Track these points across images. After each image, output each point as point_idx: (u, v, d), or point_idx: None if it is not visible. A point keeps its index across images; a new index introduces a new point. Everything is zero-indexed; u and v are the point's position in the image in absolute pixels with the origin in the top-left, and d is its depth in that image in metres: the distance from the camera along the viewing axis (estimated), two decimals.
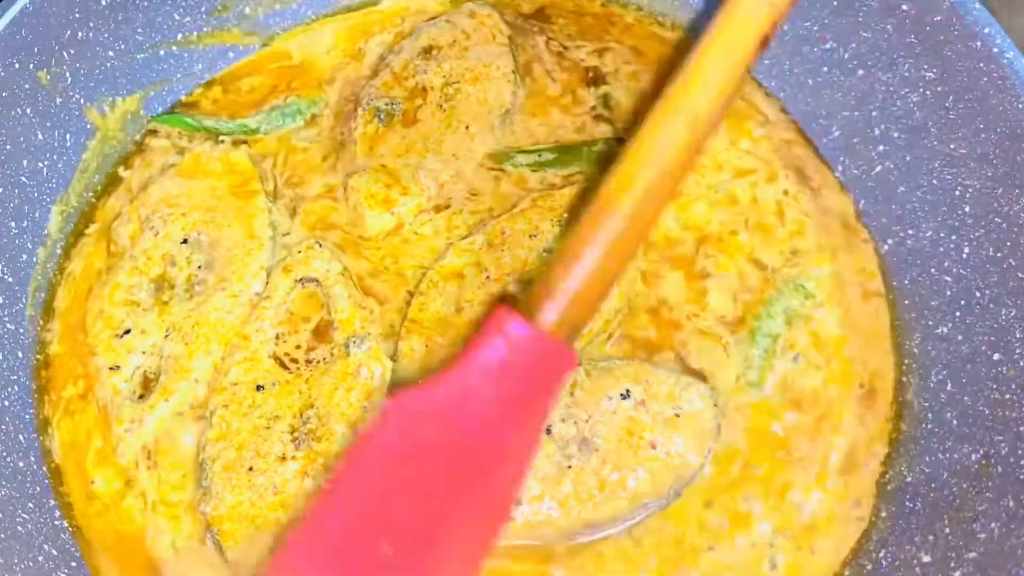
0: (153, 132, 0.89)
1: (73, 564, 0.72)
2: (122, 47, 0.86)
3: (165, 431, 0.75)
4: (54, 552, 0.71)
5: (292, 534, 0.58)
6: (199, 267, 0.80)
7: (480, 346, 0.59)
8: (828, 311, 0.79)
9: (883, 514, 0.73)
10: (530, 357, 0.59)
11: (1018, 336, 0.70)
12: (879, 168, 0.83)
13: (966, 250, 0.75)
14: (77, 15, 0.80)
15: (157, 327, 0.78)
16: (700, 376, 0.76)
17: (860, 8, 0.81)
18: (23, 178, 0.80)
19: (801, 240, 0.82)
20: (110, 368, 0.76)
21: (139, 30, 0.87)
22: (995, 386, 0.70)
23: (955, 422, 0.73)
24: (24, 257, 0.81)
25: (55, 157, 0.83)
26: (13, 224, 0.79)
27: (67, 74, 0.82)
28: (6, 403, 0.76)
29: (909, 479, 0.73)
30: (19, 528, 0.70)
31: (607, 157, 0.85)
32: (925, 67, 0.77)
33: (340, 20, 0.96)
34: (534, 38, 0.93)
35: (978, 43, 0.72)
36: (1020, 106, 0.69)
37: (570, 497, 0.69)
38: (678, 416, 0.72)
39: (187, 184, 0.84)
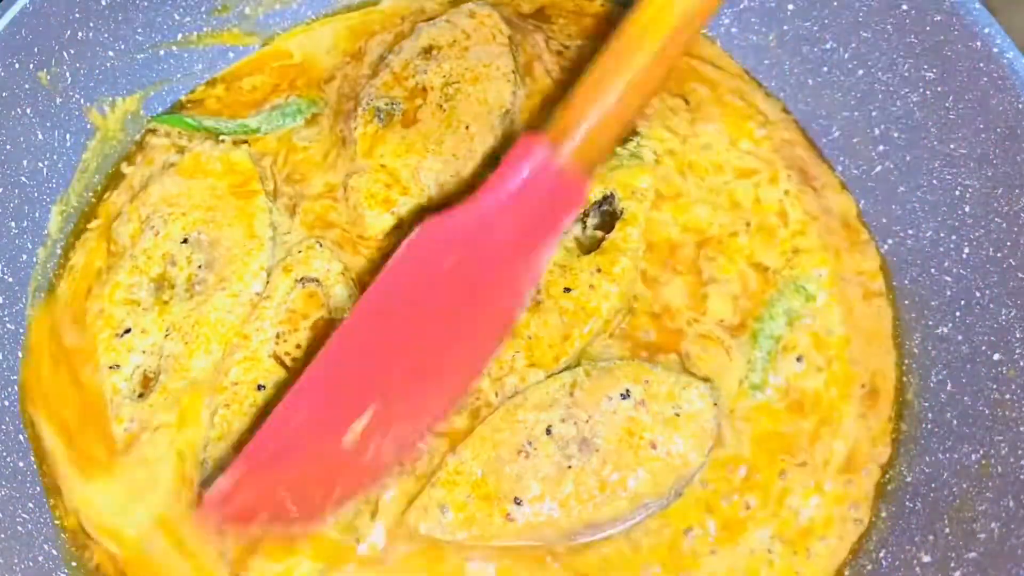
0: (153, 131, 0.89)
1: (73, 564, 0.72)
2: (122, 47, 0.86)
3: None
4: (54, 552, 0.71)
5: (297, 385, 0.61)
6: (199, 266, 0.80)
7: (507, 170, 0.61)
8: (830, 311, 0.79)
9: (883, 514, 0.73)
10: (549, 186, 0.61)
11: (1018, 336, 0.70)
12: (879, 168, 0.83)
13: (966, 250, 0.75)
14: (77, 15, 0.80)
15: (157, 326, 0.78)
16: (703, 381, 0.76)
17: (860, 8, 0.81)
18: (23, 178, 0.80)
19: (803, 240, 0.82)
20: (110, 367, 0.76)
21: (139, 30, 0.87)
22: (995, 386, 0.70)
23: (955, 422, 0.73)
24: (24, 257, 0.81)
25: (55, 157, 0.83)
26: (13, 224, 0.79)
27: (67, 74, 0.81)
28: (6, 403, 0.76)
29: (909, 479, 0.74)
30: (19, 528, 0.70)
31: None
32: (925, 67, 0.77)
33: (340, 20, 0.96)
34: (534, 38, 0.93)
35: (978, 43, 0.72)
36: (1020, 106, 0.70)
37: (570, 497, 0.69)
38: (678, 416, 0.72)
39: (187, 184, 0.84)
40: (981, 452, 0.69)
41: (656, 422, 0.71)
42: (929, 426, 0.74)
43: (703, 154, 0.85)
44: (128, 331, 0.77)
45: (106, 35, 0.84)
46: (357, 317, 0.63)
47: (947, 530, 0.68)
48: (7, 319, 0.78)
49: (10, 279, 0.79)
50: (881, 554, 0.71)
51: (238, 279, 0.79)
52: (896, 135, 0.81)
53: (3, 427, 0.74)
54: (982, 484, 0.68)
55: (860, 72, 0.83)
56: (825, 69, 0.86)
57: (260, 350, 0.76)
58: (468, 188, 0.84)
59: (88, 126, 0.85)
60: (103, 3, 0.82)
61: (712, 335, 0.78)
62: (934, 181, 0.78)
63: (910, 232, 0.80)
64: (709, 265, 0.81)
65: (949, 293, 0.76)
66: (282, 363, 0.76)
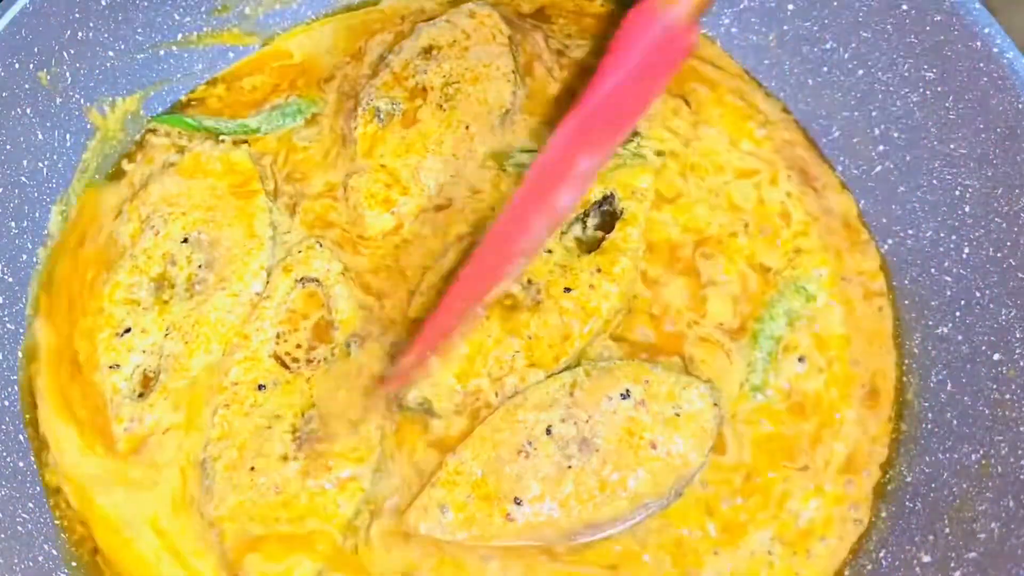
0: (153, 131, 0.89)
1: (73, 564, 0.72)
2: (122, 47, 0.86)
3: None
4: (54, 552, 0.71)
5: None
6: (199, 266, 0.80)
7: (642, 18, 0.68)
8: (830, 312, 0.79)
9: (883, 514, 0.73)
10: (665, 37, 0.68)
11: (1018, 336, 0.70)
12: (879, 168, 0.83)
13: (966, 250, 0.75)
14: (77, 15, 0.80)
15: (157, 326, 0.78)
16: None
17: (860, 8, 0.81)
18: (23, 178, 0.80)
19: (804, 241, 0.82)
20: (110, 367, 0.76)
21: (139, 30, 0.87)
22: (995, 386, 0.70)
23: (955, 422, 0.73)
24: (24, 257, 0.81)
25: (55, 157, 0.83)
26: (13, 224, 0.79)
27: (67, 74, 0.81)
28: (6, 403, 0.76)
29: (909, 479, 0.74)
30: (19, 528, 0.70)
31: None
32: (925, 67, 0.77)
33: (340, 20, 0.96)
34: (534, 38, 0.93)
35: (978, 43, 0.72)
36: (1020, 106, 0.70)
37: (571, 497, 0.69)
38: (678, 416, 0.72)
39: (187, 183, 0.84)
40: (981, 452, 0.69)
41: (656, 422, 0.71)
42: (929, 426, 0.75)
43: (704, 155, 0.85)
44: (128, 331, 0.77)
45: (106, 35, 0.84)
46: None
47: (947, 530, 0.69)
48: (7, 319, 0.78)
49: (10, 279, 0.79)
50: (881, 554, 0.71)
51: (238, 279, 0.79)
52: (896, 135, 0.81)
53: (3, 427, 0.74)
54: (982, 484, 0.68)
55: (860, 72, 0.83)
56: (825, 69, 0.86)
57: (260, 350, 0.76)
58: (468, 188, 0.84)
59: (88, 126, 0.85)
60: (103, 3, 0.82)
61: (712, 338, 0.78)
62: (934, 181, 0.78)
63: (910, 232, 0.80)
64: (709, 266, 0.81)
65: (949, 293, 0.76)
66: (282, 363, 0.76)
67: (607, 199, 0.82)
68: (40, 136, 0.81)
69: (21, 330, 0.79)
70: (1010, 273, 0.71)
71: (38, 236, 0.82)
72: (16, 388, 0.77)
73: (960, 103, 0.75)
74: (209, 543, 0.71)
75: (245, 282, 0.79)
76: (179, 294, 0.79)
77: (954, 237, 0.76)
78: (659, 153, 0.85)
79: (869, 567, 0.71)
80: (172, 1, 0.88)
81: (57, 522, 0.73)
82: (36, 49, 0.78)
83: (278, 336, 0.78)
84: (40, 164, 0.81)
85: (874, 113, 0.83)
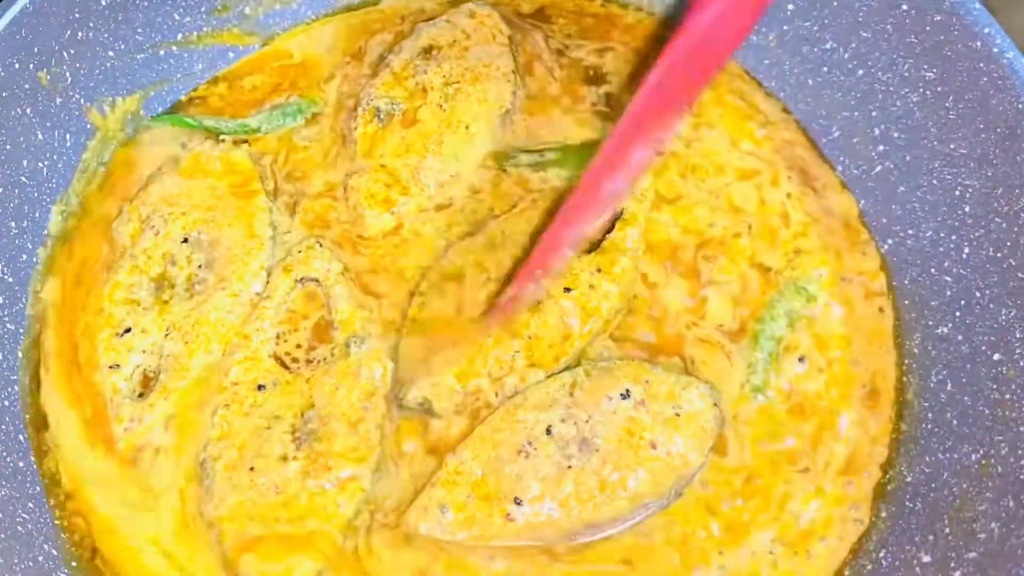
0: (154, 131, 0.89)
1: (73, 564, 0.72)
2: (122, 47, 0.86)
3: None
4: (54, 552, 0.71)
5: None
6: (199, 266, 0.80)
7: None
8: (830, 312, 0.79)
9: (883, 514, 0.73)
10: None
11: (1018, 336, 0.70)
12: (879, 168, 0.83)
13: (966, 250, 0.75)
14: (77, 15, 0.80)
15: (157, 326, 0.78)
16: None
17: (860, 8, 0.81)
18: (23, 178, 0.80)
19: (804, 241, 0.82)
20: (110, 367, 0.76)
21: (139, 30, 0.87)
22: (995, 386, 0.70)
23: (955, 422, 0.73)
24: (24, 257, 0.81)
25: (55, 157, 0.83)
26: (13, 224, 0.79)
27: (67, 74, 0.81)
28: (6, 403, 0.76)
29: (909, 479, 0.74)
30: (19, 528, 0.70)
31: None
32: (925, 67, 0.77)
33: (340, 19, 0.96)
34: (534, 38, 0.93)
35: (978, 43, 0.72)
36: (1020, 106, 0.69)
37: (571, 497, 0.69)
38: (678, 416, 0.72)
39: (187, 183, 0.84)
40: (981, 452, 0.69)
41: (656, 422, 0.71)
42: (929, 426, 0.74)
43: (705, 156, 0.85)
44: (128, 331, 0.77)
45: (106, 35, 0.84)
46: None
47: (947, 530, 0.68)
48: (7, 319, 0.78)
49: (10, 279, 0.79)
50: (881, 554, 0.71)
51: (238, 279, 0.79)
52: (896, 135, 0.81)
53: (3, 427, 0.74)
54: (982, 484, 0.68)
55: (860, 72, 0.83)
56: (825, 69, 0.86)
57: (260, 350, 0.76)
58: (468, 188, 0.84)
59: (88, 126, 0.85)
60: (103, 3, 0.82)
61: (712, 339, 0.78)
62: (934, 181, 0.78)
63: (910, 232, 0.80)
64: (709, 267, 0.81)
65: (949, 293, 0.76)
66: (282, 363, 0.76)
67: None
68: (40, 136, 0.81)
69: (21, 330, 0.79)
70: (1010, 273, 0.71)
71: (38, 236, 0.82)
72: (16, 388, 0.77)
73: (960, 103, 0.75)
74: (209, 543, 0.71)
75: (245, 282, 0.79)
76: (179, 294, 0.79)
77: (954, 237, 0.76)
78: (659, 152, 0.85)
79: (869, 567, 0.71)
80: (172, 1, 0.88)
81: (57, 522, 0.73)
82: (36, 49, 0.78)
83: (278, 336, 0.78)
84: (40, 164, 0.81)
85: (874, 113, 0.83)
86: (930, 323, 0.78)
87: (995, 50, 0.71)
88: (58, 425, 0.76)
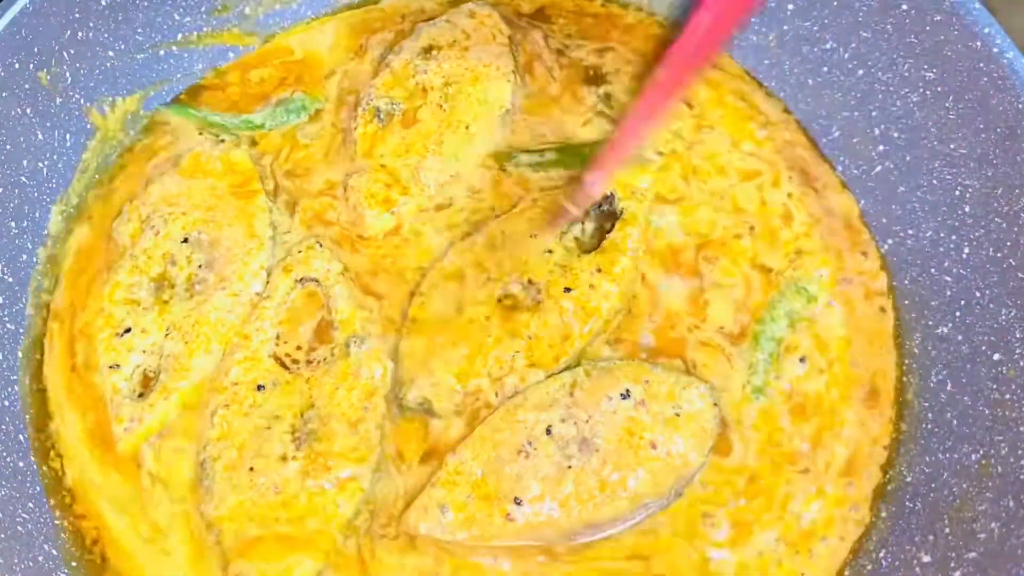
0: (153, 131, 0.89)
1: (73, 564, 0.72)
2: (122, 47, 0.86)
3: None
4: (54, 552, 0.71)
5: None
6: (199, 266, 0.80)
7: None
8: (831, 313, 0.79)
9: (883, 514, 0.73)
10: None
11: (1018, 336, 0.70)
12: (879, 168, 0.83)
13: (966, 250, 0.75)
14: (77, 15, 0.80)
15: (157, 326, 0.78)
16: None
17: (860, 8, 0.81)
18: (23, 178, 0.80)
19: (806, 242, 0.82)
20: (110, 367, 0.76)
21: (139, 30, 0.87)
22: (995, 386, 0.70)
23: (955, 422, 0.73)
24: (24, 257, 0.81)
25: (55, 157, 0.83)
26: (13, 224, 0.79)
27: (67, 74, 0.81)
28: (6, 403, 0.76)
29: (909, 479, 0.74)
30: (19, 528, 0.70)
31: None
32: (925, 67, 0.77)
33: (341, 18, 0.96)
34: (534, 38, 0.93)
35: (978, 43, 0.72)
36: (1020, 106, 0.70)
37: (571, 497, 0.69)
38: (678, 416, 0.72)
39: (187, 183, 0.84)
40: (981, 452, 0.69)
41: (656, 422, 0.71)
42: (929, 426, 0.74)
43: (706, 157, 0.85)
44: (128, 331, 0.77)
45: (106, 35, 0.84)
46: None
47: (947, 530, 0.68)
48: (7, 319, 0.78)
49: (10, 279, 0.79)
50: (881, 554, 0.71)
51: (238, 279, 0.79)
52: (896, 135, 0.81)
53: (3, 427, 0.74)
54: (982, 484, 0.68)
55: (860, 72, 0.83)
56: (825, 69, 0.86)
57: (260, 350, 0.76)
58: (468, 188, 0.84)
59: (88, 126, 0.85)
60: (103, 3, 0.82)
61: (712, 342, 0.78)
62: (934, 181, 0.78)
63: (910, 232, 0.80)
64: (710, 269, 0.81)
65: (949, 293, 0.76)
66: (282, 363, 0.76)
67: (607, 199, 0.82)
68: (40, 136, 0.81)
69: (21, 330, 0.79)
70: (1010, 273, 0.71)
71: (38, 236, 0.82)
72: (16, 388, 0.77)
73: (960, 103, 0.75)
74: (208, 543, 0.71)
75: (245, 282, 0.79)
76: (179, 294, 0.79)
77: (954, 237, 0.76)
78: (659, 153, 0.85)
79: (869, 567, 0.71)
80: (172, 1, 0.88)
81: (57, 522, 0.73)
82: (36, 49, 0.78)
83: (278, 336, 0.78)
84: (40, 164, 0.81)
85: (874, 113, 0.83)
86: (930, 323, 0.78)
87: (995, 50, 0.71)
88: (59, 425, 0.76)
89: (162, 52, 0.90)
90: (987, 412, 0.70)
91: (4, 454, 0.73)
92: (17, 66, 0.76)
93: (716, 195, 0.84)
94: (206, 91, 0.92)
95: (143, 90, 0.89)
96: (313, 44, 0.94)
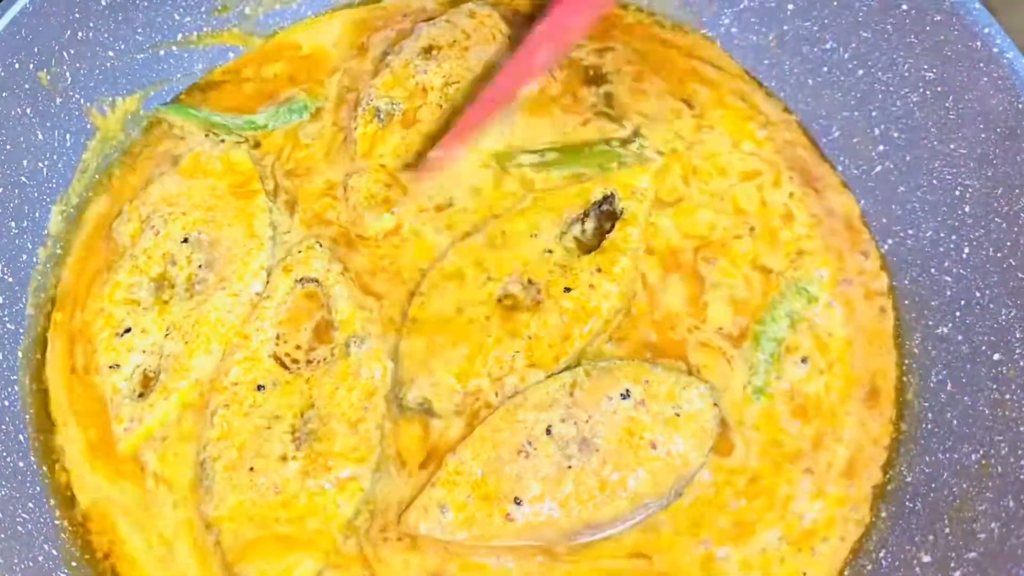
0: (153, 131, 0.89)
1: (73, 564, 0.72)
2: (122, 47, 0.86)
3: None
4: (54, 552, 0.71)
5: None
6: (199, 266, 0.80)
7: None
8: (831, 313, 0.79)
9: (883, 514, 0.73)
10: None
11: (1018, 336, 0.70)
12: (879, 168, 0.83)
13: (966, 250, 0.75)
14: (77, 15, 0.80)
15: (157, 326, 0.77)
16: None
17: (860, 8, 0.81)
18: (23, 178, 0.80)
19: (807, 242, 0.82)
20: (110, 367, 0.76)
21: (139, 30, 0.87)
22: (995, 386, 0.70)
23: (955, 422, 0.73)
24: (24, 257, 0.81)
25: (55, 157, 0.83)
26: (13, 224, 0.79)
27: (67, 74, 0.82)
28: (6, 403, 0.76)
29: (909, 479, 0.74)
30: (19, 528, 0.70)
31: (610, 156, 0.85)
32: (925, 67, 0.77)
33: (342, 16, 0.96)
34: None
35: (978, 43, 0.72)
36: (1020, 106, 0.70)
37: (571, 497, 0.69)
38: (678, 416, 0.72)
39: (188, 183, 0.84)
40: (981, 452, 0.69)
41: (656, 422, 0.71)
42: (929, 426, 0.74)
43: (707, 158, 0.85)
44: (128, 331, 0.77)
45: (106, 35, 0.84)
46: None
47: (947, 530, 0.68)
48: (7, 319, 0.78)
49: (10, 279, 0.79)
50: (881, 554, 0.71)
51: (238, 279, 0.79)
52: (896, 135, 0.81)
53: (3, 427, 0.74)
54: (982, 484, 0.68)
55: (860, 72, 0.83)
56: (825, 69, 0.86)
57: (260, 350, 0.76)
58: (468, 188, 0.84)
59: (88, 126, 0.85)
60: (103, 3, 0.82)
61: (712, 344, 0.78)
62: (934, 181, 0.78)
63: (910, 232, 0.80)
64: (710, 270, 0.81)
65: (949, 293, 0.76)
66: (282, 364, 0.76)
67: (607, 199, 0.82)
68: (40, 136, 0.81)
69: (21, 330, 0.79)
70: (1010, 273, 0.71)
71: (38, 236, 0.82)
72: (16, 388, 0.77)
73: (960, 103, 0.75)
74: (208, 544, 0.71)
75: (245, 282, 0.79)
76: (179, 294, 0.79)
77: (954, 237, 0.76)
78: (660, 152, 0.85)
79: (869, 567, 0.71)
80: (172, 1, 0.88)
81: (57, 522, 0.73)
82: (36, 49, 0.78)
83: (278, 336, 0.77)
84: (40, 164, 0.81)
85: (874, 113, 0.83)
86: (930, 323, 0.78)
87: (995, 50, 0.71)
88: (60, 425, 0.76)
89: (162, 52, 0.90)
90: (987, 412, 0.70)
91: (4, 454, 0.73)
92: (17, 66, 0.76)
93: (716, 195, 0.84)
94: (206, 91, 0.92)
95: (143, 90, 0.89)
96: (313, 43, 0.94)
